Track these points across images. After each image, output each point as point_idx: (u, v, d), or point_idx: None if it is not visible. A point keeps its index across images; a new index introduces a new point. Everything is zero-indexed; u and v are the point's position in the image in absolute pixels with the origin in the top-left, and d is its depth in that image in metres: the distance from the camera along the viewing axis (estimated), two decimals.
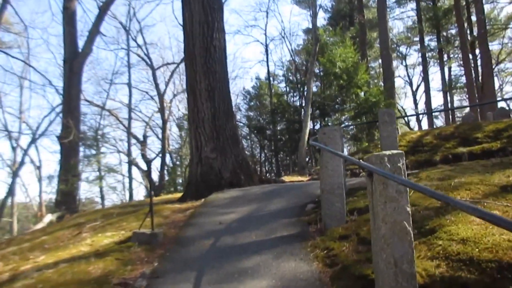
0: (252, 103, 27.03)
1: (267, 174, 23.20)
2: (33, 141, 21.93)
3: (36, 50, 47.86)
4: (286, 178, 12.47)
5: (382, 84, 22.13)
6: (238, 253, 4.28)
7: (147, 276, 3.85)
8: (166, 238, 5.17)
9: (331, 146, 4.67)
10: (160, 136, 25.21)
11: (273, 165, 25.30)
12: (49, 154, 52.21)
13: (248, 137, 26.47)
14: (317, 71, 21.67)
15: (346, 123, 20.26)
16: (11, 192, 21.48)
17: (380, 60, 26.73)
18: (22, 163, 21.50)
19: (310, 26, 22.72)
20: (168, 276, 3.87)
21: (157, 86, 24.76)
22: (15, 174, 21.16)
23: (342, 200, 4.71)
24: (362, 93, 19.30)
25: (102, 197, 26.05)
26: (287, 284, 3.37)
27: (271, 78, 25.92)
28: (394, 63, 29.74)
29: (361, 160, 3.30)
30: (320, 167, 5.02)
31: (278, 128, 24.22)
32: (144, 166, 23.79)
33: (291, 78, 24.98)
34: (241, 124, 26.12)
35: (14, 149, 22.60)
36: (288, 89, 25.18)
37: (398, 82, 33.02)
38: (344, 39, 20.32)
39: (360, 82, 18.97)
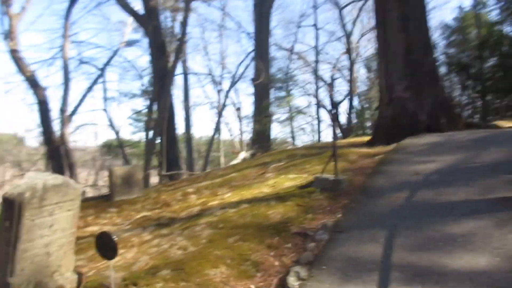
0: (452, 38, 23.24)
1: (470, 119, 20.03)
2: (232, 84, 23.90)
3: None
4: (501, 124, 10.26)
5: None
6: (442, 213, 3.40)
7: (328, 229, 3.38)
8: (351, 186, 4.60)
9: None
10: (347, 78, 24.30)
11: (478, 108, 21.67)
12: (246, 96, 57.21)
13: (446, 77, 23.16)
14: None
15: None
16: (217, 130, 24.38)
17: None
18: (224, 104, 23.86)
19: None
20: (352, 231, 3.31)
21: (344, 26, 23.54)
22: (220, 114, 23.71)
23: None
24: None
25: (293, 137, 27.23)
26: None
27: (478, 6, 21.60)
28: None
29: None
30: None
31: (487, 65, 20.29)
32: (331, 109, 23.47)
33: (507, 3, 20.25)
34: (439, 62, 22.90)
35: (218, 92, 25.21)
36: (502, 17, 20.60)
37: None
38: None
39: None
